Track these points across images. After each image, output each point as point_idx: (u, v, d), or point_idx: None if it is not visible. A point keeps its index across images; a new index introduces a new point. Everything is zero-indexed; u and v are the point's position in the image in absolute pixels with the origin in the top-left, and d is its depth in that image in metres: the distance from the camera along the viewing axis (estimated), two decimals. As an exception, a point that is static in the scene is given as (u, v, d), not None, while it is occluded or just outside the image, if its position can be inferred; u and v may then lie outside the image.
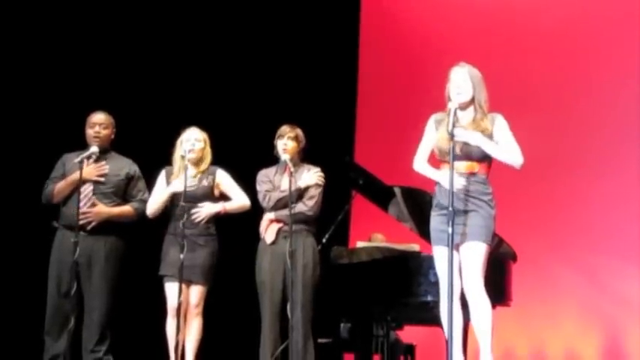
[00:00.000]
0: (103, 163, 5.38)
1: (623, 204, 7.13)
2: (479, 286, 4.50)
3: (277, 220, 5.30)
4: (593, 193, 7.25)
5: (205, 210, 5.37)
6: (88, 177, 5.30)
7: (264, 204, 5.37)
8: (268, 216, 5.35)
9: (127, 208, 5.46)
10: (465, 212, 4.49)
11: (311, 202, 5.34)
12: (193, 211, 5.33)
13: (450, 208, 4.33)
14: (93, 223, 5.31)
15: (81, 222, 5.23)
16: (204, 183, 5.43)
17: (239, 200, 5.48)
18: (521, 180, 6.96)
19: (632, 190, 7.12)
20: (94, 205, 5.34)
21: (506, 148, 4.54)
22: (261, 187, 5.42)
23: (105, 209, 5.36)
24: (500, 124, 4.59)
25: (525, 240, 6.46)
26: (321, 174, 5.40)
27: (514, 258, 5.76)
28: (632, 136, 7.20)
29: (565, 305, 7.14)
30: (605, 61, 7.41)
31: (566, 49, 7.57)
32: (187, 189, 5.27)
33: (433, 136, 4.67)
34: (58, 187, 5.39)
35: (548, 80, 7.55)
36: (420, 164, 4.73)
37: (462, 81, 4.59)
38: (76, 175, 5.25)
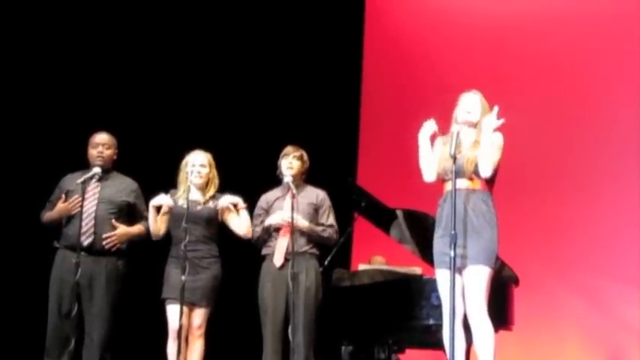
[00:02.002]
0: (76, 196, 5.31)
1: (626, 227, 7.11)
2: (481, 310, 4.49)
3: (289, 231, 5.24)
4: (595, 216, 7.24)
5: (228, 198, 5.37)
6: (65, 213, 5.30)
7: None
8: (283, 215, 5.30)
9: (140, 228, 5.46)
10: (469, 235, 4.49)
11: (336, 227, 5.43)
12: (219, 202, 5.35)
13: (453, 232, 4.34)
14: (117, 245, 5.32)
15: (107, 246, 5.25)
16: (210, 205, 5.42)
17: (246, 218, 5.46)
18: (523, 203, 6.97)
19: (635, 213, 7.10)
20: (114, 227, 5.34)
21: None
22: (254, 220, 5.44)
23: (126, 230, 5.36)
24: (495, 137, 4.59)
25: (527, 264, 6.44)
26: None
27: (516, 282, 5.74)
28: (634, 158, 7.19)
29: (567, 329, 7.11)
30: (606, 84, 7.42)
31: (567, 71, 7.59)
32: (193, 210, 5.27)
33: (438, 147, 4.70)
34: (47, 217, 5.42)
35: (550, 102, 7.55)
36: None
37: (472, 104, 4.66)
38: (61, 207, 5.28)
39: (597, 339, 7.08)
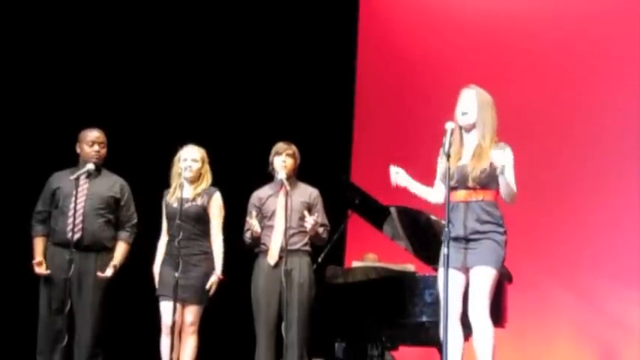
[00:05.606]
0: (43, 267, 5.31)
1: (621, 226, 7.09)
2: (484, 311, 4.47)
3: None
4: (590, 214, 7.21)
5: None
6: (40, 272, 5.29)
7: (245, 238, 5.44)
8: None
9: (123, 248, 5.42)
10: (477, 239, 4.48)
11: (328, 226, 5.45)
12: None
13: (446, 229, 4.32)
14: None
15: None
16: (198, 202, 5.40)
17: (219, 252, 5.42)
18: (518, 201, 6.93)
19: (630, 212, 7.07)
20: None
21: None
22: (247, 216, 5.40)
23: (111, 267, 5.34)
24: (506, 156, 4.56)
25: (521, 261, 6.41)
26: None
27: (510, 279, 5.73)
28: (632, 157, 7.16)
29: (561, 328, 7.09)
30: (603, 84, 7.37)
31: (564, 70, 7.55)
32: (183, 207, 5.25)
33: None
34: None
35: (547, 101, 7.52)
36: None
37: (468, 102, 4.59)
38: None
39: (590, 337, 7.06)
